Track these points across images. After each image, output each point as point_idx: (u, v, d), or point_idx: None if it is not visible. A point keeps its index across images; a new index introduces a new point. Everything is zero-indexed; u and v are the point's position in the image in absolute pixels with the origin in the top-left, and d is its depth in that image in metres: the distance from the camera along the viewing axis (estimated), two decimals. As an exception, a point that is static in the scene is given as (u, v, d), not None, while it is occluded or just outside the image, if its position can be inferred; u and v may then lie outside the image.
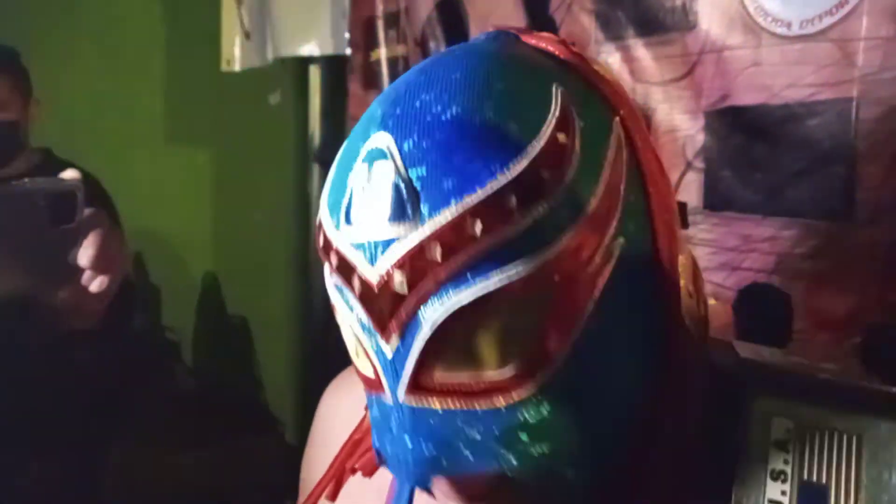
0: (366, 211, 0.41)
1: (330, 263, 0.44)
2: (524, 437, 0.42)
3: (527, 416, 0.41)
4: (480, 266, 0.40)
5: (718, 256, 0.95)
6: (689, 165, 0.99)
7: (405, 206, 0.40)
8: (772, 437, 0.46)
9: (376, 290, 0.41)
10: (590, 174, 0.42)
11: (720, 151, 0.96)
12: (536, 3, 1.25)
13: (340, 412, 0.65)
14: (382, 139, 0.42)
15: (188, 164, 2.69)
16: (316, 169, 2.15)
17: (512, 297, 0.40)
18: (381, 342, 0.43)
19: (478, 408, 0.42)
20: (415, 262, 0.40)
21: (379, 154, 0.42)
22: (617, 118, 0.46)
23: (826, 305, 0.86)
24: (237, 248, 2.64)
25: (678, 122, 1.00)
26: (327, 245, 0.44)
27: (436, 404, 0.42)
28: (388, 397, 0.43)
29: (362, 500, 0.60)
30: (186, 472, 2.08)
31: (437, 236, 0.40)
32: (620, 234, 0.43)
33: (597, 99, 0.46)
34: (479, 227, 0.39)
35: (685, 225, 0.99)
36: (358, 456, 0.59)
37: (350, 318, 0.44)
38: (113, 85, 2.62)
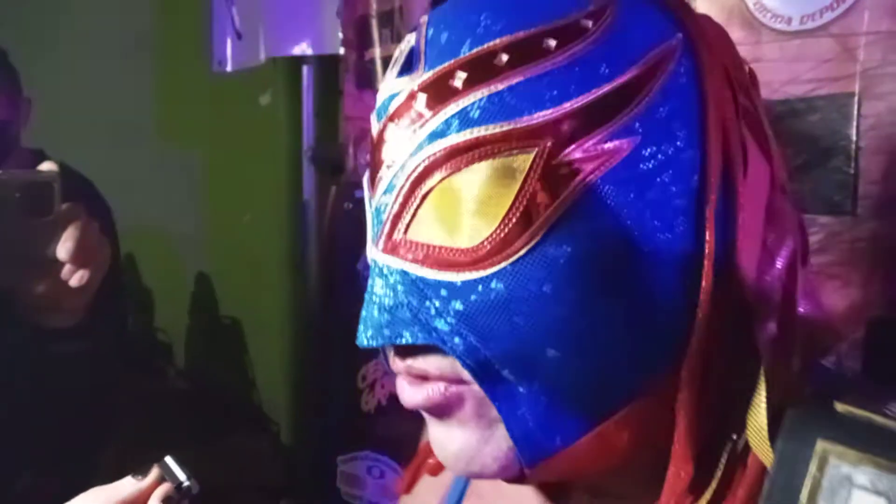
0: (387, 76, 0.44)
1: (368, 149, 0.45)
2: (465, 319, 0.40)
3: (472, 298, 0.39)
4: (459, 119, 0.40)
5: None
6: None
7: (412, 63, 0.42)
8: None
9: (375, 142, 0.43)
10: (611, 65, 0.40)
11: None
12: None
13: None
14: (422, 20, 0.44)
15: (180, 164, 2.67)
16: (309, 169, 2.14)
17: (483, 159, 0.39)
18: (371, 195, 0.44)
19: (436, 277, 0.40)
20: (403, 112, 0.41)
21: (413, 29, 0.44)
22: (679, 34, 0.43)
23: (828, 300, 0.86)
24: (230, 249, 2.62)
25: (678, 118, 1.00)
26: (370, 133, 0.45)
27: (399, 264, 0.41)
28: (370, 255, 0.44)
29: (427, 496, 0.61)
30: (181, 473, 2.07)
31: (423, 87, 0.41)
32: (636, 150, 0.40)
33: (661, 15, 0.44)
34: (462, 79, 0.40)
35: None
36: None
37: (365, 188, 0.45)
38: (103, 85, 2.60)
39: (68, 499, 0.51)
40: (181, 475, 0.49)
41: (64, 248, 0.78)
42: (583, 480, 0.47)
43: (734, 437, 0.43)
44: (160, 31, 2.68)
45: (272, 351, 2.46)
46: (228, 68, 2.25)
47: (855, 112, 0.82)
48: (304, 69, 2.09)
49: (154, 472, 0.50)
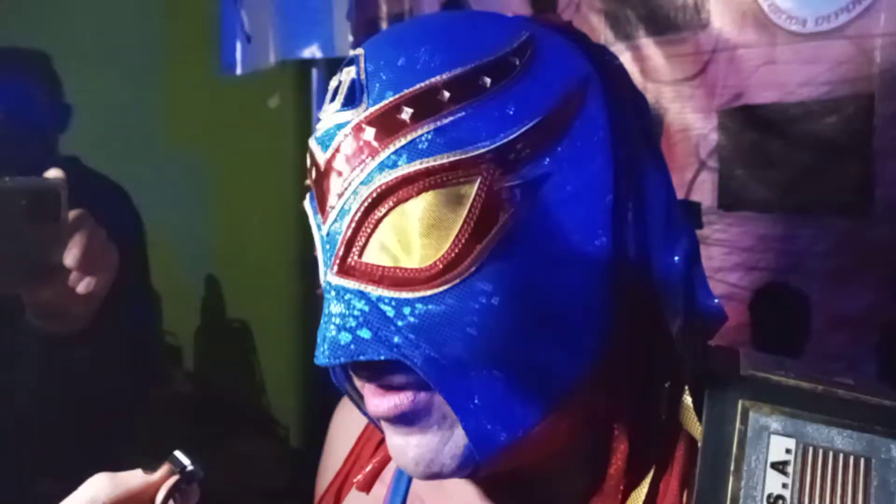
0: (327, 108, 0.47)
1: (308, 174, 0.48)
2: (423, 333, 0.43)
3: (427, 314, 0.43)
4: (408, 151, 0.43)
5: (733, 257, 0.94)
6: (702, 165, 0.98)
7: (354, 96, 0.45)
8: (769, 457, 0.42)
9: (322, 172, 0.45)
10: (537, 100, 0.45)
11: (734, 150, 0.95)
12: (544, 2, 1.24)
13: (350, 425, 0.67)
14: (357, 52, 0.48)
15: (188, 167, 2.68)
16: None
17: (433, 188, 0.43)
18: (321, 222, 0.46)
19: (393, 296, 0.43)
20: (352, 143, 0.44)
21: (351, 61, 0.47)
22: (588, 67, 0.48)
23: (843, 304, 0.86)
24: (238, 252, 2.63)
25: (690, 121, 0.99)
26: (310, 159, 0.48)
27: (356, 285, 0.44)
28: (325, 278, 0.46)
29: None
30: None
31: (370, 119, 0.44)
32: (563, 175, 0.45)
33: (572, 50, 0.49)
34: (409, 114, 0.43)
35: (699, 225, 0.98)
36: (358, 469, 0.61)
37: (310, 213, 0.48)
38: (112, 88, 2.61)
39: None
40: (186, 461, 0.50)
41: (70, 255, 0.78)
42: (527, 468, 0.51)
43: (664, 416, 0.48)
44: (169, 34, 2.69)
45: (280, 354, 2.47)
46: (238, 71, 2.26)
47: (871, 114, 0.81)
48: (314, 72, 2.09)
49: (164, 467, 0.50)
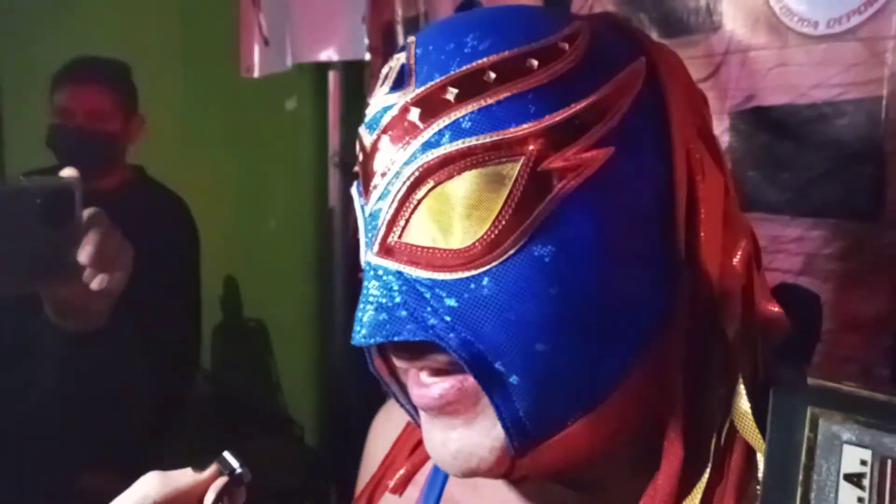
0: (377, 92, 0.47)
1: (356, 159, 0.48)
2: (459, 316, 0.43)
3: (465, 296, 0.42)
4: (451, 131, 0.43)
5: (745, 258, 0.94)
6: (714, 166, 0.98)
7: (403, 80, 0.45)
8: (842, 468, 0.40)
9: (368, 153, 0.46)
10: (587, 83, 0.44)
11: (746, 152, 0.95)
12: (557, 4, 1.25)
13: (388, 430, 0.66)
14: (409, 40, 0.47)
15: (206, 169, 2.70)
16: (334, 173, 2.16)
17: (475, 167, 0.42)
18: (364, 203, 0.47)
19: (431, 277, 0.43)
20: (397, 124, 0.44)
21: (401, 49, 0.47)
22: (643, 58, 0.47)
23: (855, 306, 0.85)
24: (255, 253, 2.65)
25: (703, 123, 0.99)
26: (358, 144, 0.48)
27: (395, 266, 0.44)
28: (365, 258, 0.46)
29: None
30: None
31: (416, 100, 0.44)
32: (611, 159, 0.43)
33: (625, 41, 0.49)
34: (454, 94, 0.43)
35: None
36: (392, 472, 0.61)
37: (355, 196, 0.48)
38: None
39: (91, 496, 0.52)
40: (235, 464, 0.51)
41: (84, 253, 0.79)
42: (566, 474, 0.49)
43: (719, 423, 0.46)
44: (189, 38, 2.72)
45: (297, 354, 2.48)
46: (256, 74, 2.28)
47: (882, 116, 0.81)
48: (330, 74, 2.11)
49: (213, 467, 0.51)
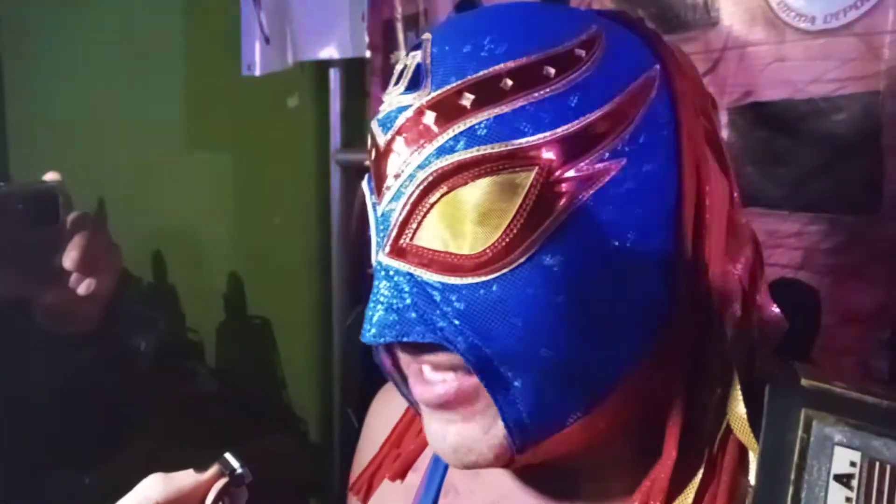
0: (391, 90, 0.47)
1: (368, 155, 0.48)
2: (467, 320, 0.43)
3: (474, 301, 0.43)
4: (466, 137, 0.43)
5: (743, 252, 0.95)
6: (712, 162, 0.98)
7: (418, 80, 0.45)
8: (832, 469, 0.41)
9: (382, 153, 0.46)
10: (602, 93, 0.44)
11: (744, 148, 0.95)
12: (556, 2, 1.25)
13: (388, 413, 0.67)
14: (424, 37, 0.47)
15: (209, 167, 2.71)
16: (336, 171, 2.16)
17: (488, 175, 0.43)
18: (377, 202, 0.47)
19: (441, 280, 0.44)
20: (412, 127, 0.44)
21: (417, 46, 0.47)
22: (657, 66, 0.47)
23: (854, 300, 0.86)
24: (259, 250, 2.65)
25: (701, 118, 1.00)
26: (371, 140, 0.48)
27: (406, 267, 0.45)
28: (376, 258, 0.46)
29: (390, 500, 0.62)
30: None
31: (432, 104, 0.44)
32: (623, 171, 0.44)
33: (641, 46, 0.49)
34: (470, 100, 0.43)
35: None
36: (391, 460, 0.61)
37: (367, 193, 0.49)
38: (134, 89, 2.64)
39: (96, 493, 0.53)
40: (235, 464, 0.51)
41: (69, 258, 0.77)
42: (564, 462, 0.50)
43: (715, 423, 0.47)
44: (189, 36, 2.72)
45: (301, 350, 2.49)
46: (257, 72, 2.28)
47: (879, 111, 0.81)
48: (331, 72, 2.11)
49: (214, 467, 0.52)
